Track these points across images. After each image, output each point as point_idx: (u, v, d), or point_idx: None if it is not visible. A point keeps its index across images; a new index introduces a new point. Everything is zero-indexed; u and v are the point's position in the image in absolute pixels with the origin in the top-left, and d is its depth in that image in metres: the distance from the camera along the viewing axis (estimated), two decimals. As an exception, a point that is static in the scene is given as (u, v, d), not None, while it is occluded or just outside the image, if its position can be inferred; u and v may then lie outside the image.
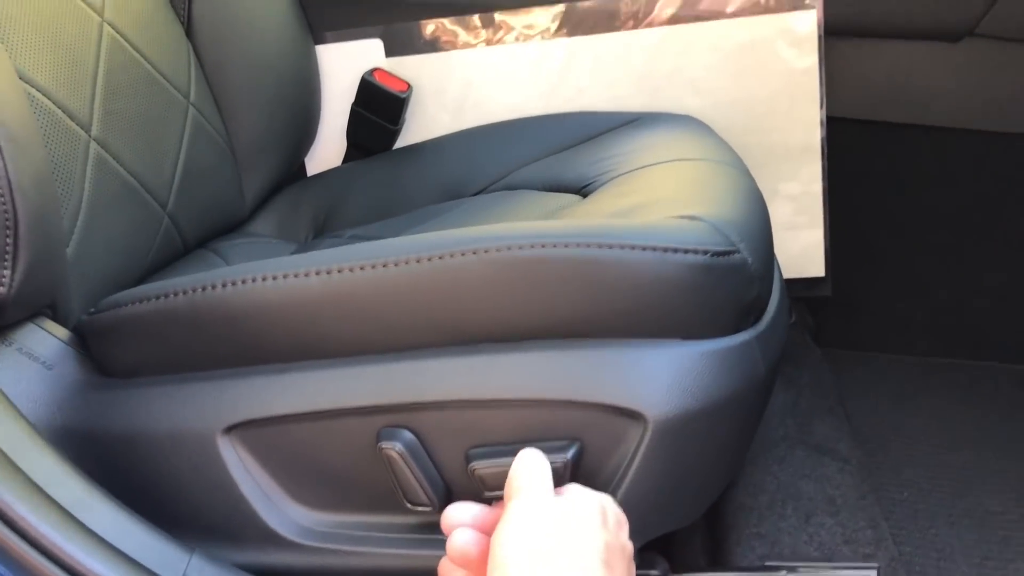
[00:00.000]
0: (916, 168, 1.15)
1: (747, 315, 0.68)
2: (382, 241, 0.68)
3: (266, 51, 1.03)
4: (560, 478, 0.61)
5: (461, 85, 1.11)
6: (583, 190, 0.90)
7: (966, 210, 1.15)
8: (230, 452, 0.68)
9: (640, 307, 0.63)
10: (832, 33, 1.04)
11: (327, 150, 1.16)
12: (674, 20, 1.05)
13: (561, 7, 1.06)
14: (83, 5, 0.84)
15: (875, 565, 0.78)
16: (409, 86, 1.10)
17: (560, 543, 0.52)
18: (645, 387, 0.62)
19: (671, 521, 0.69)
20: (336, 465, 0.68)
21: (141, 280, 0.88)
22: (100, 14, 0.86)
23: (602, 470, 0.64)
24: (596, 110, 1.07)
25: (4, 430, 0.63)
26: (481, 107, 1.10)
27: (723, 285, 0.65)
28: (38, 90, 0.76)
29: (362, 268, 0.64)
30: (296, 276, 0.65)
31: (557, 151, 1.00)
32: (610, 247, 0.62)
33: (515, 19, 1.07)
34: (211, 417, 0.67)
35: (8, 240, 0.64)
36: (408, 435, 0.65)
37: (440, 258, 0.63)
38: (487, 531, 0.56)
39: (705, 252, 0.63)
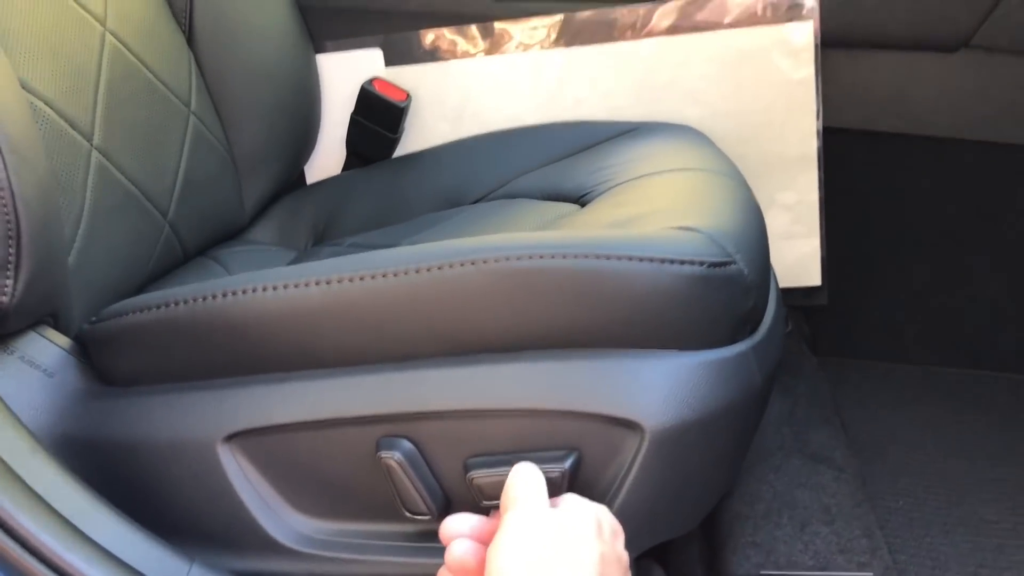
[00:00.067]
0: (912, 178, 1.15)
1: (743, 325, 0.69)
2: (381, 251, 0.68)
3: (267, 60, 1.03)
4: (557, 488, 0.62)
5: (460, 94, 1.11)
6: (581, 199, 0.90)
7: (962, 220, 1.16)
8: (230, 460, 0.68)
9: (637, 318, 0.64)
10: (828, 44, 1.05)
11: (327, 158, 1.16)
12: (672, 31, 1.05)
13: (559, 17, 1.07)
14: (85, 15, 0.85)
15: (870, 574, 0.79)
16: (408, 95, 1.11)
17: (556, 554, 0.52)
18: (642, 398, 0.62)
19: (668, 530, 0.70)
20: (335, 474, 0.68)
21: (142, 288, 0.88)
22: (102, 23, 0.86)
23: (599, 479, 0.65)
24: (594, 119, 1.08)
25: (5, 440, 0.63)
26: (480, 116, 1.11)
27: (719, 296, 0.65)
28: (40, 100, 0.77)
29: (361, 278, 0.65)
30: (296, 286, 0.66)
31: (555, 160, 1.00)
32: (608, 258, 0.63)
33: (514, 29, 1.08)
34: (211, 426, 0.68)
35: (11, 250, 0.65)
36: (407, 444, 0.65)
37: (439, 268, 0.63)
38: (485, 541, 0.57)
39: (701, 263, 0.64)
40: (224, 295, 0.67)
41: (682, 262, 0.63)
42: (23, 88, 0.73)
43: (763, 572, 0.81)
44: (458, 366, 0.65)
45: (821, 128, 1.07)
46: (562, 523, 0.55)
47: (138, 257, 0.87)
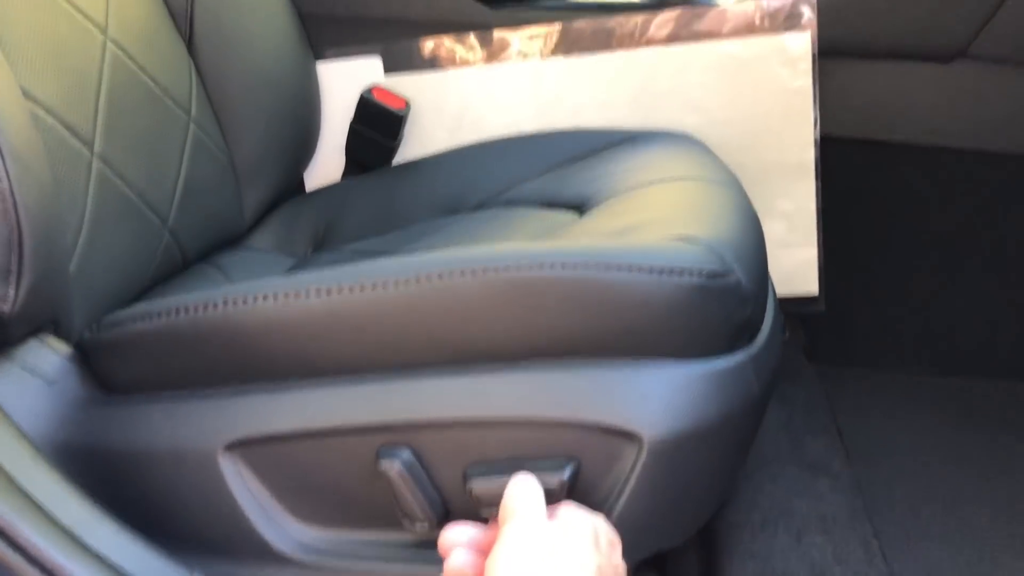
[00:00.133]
0: (908, 187, 1.16)
1: (741, 335, 0.69)
2: (382, 260, 0.69)
3: (267, 68, 1.04)
4: (556, 497, 0.62)
5: (459, 103, 1.11)
6: (580, 207, 0.90)
7: (958, 228, 1.16)
8: (231, 469, 0.68)
9: (636, 328, 0.64)
10: (825, 54, 1.05)
11: (326, 166, 1.16)
12: (670, 40, 1.06)
13: (558, 26, 1.07)
14: (87, 23, 0.85)
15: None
16: (407, 103, 1.11)
17: (554, 566, 0.53)
18: (641, 408, 0.63)
19: (665, 539, 0.70)
20: (336, 482, 0.68)
21: (142, 295, 0.88)
22: (104, 32, 0.87)
23: (598, 489, 0.65)
24: (592, 128, 1.08)
25: (6, 449, 0.63)
26: (478, 124, 1.11)
27: (718, 306, 0.66)
28: (42, 108, 0.77)
29: (362, 288, 0.65)
30: (297, 295, 0.66)
31: (554, 168, 1.00)
32: (607, 268, 0.63)
33: (513, 37, 1.08)
34: (212, 434, 0.68)
35: (13, 258, 0.65)
36: (407, 453, 0.65)
37: (439, 278, 0.64)
38: (484, 552, 0.57)
39: (700, 273, 0.64)
40: (226, 304, 0.67)
41: (681, 272, 0.64)
42: (25, 97, 0.74)
43: (760, 581, 0.81)
44: (458, 375, 0.65)
45: (818, 137, 1.07)
46: (559, 535, 0.55)
47: (139, 264, 0.88)
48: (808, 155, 1.08)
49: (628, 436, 0.63)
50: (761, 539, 0.86)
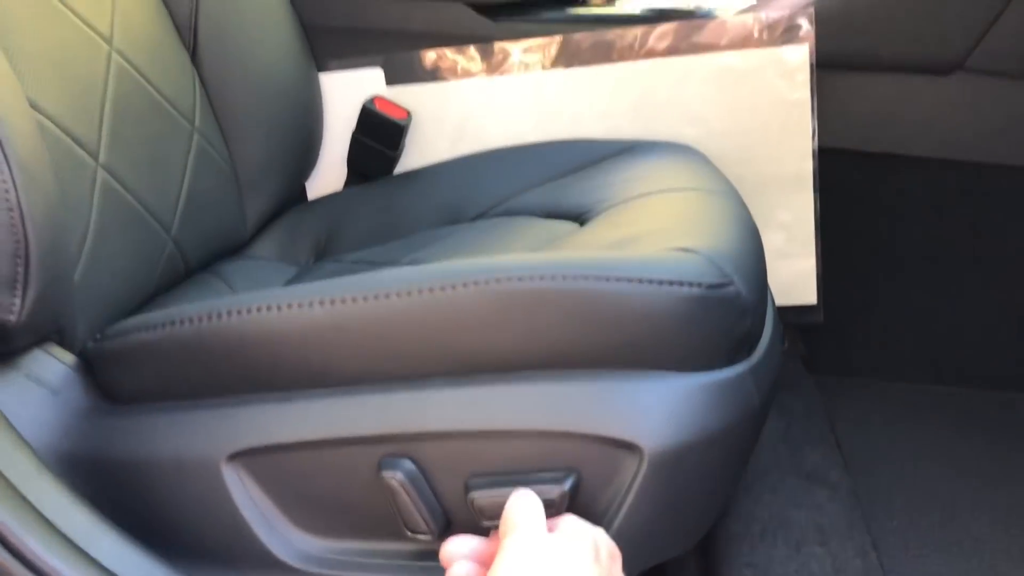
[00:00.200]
0: (906, 198, 1.16)
1: (741, 346, 0.69)
2: (384, 271, 0.69)
3: (270, 78, 1.04)
4: (556, 509, 0.63)
5: (460, 113, 1.12)
6: (580, 217, 0.91)
7: (956, 239, 1.17)
8: (234, 479, 0.68)
9: (636, 339, 0.64)
10: (824, 66, 1.06)
11: (328, 175, 1.17)
12: (669, 52, 1.07)
13: (558, 38, 1.08)
14: (92, 34, 0.86)
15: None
16: (409, 114, 1.12)
17: (556, 578, 0.53)
18: (641, 420, 0.63)
19: (665, 551, 0.70)
20: (338, 493, 0.69)
21: (145, 304, 0.89)
22: (109, 43, 0.87)
23: (598, 500, 0.65)
24: (592, 138, 1.09)
25: (10, 460, 0.63)
26: (479, 135, 1.12)
27: (717, 317, 0.66)
28: (48, 119, 0.77)
29: (364, 299, 0.65)
30: (300, 306, 0.66)
31: (555, 178, 1.01)
32: (607, 280, 0.63)
33: (514, 49, 1.09)
34: (215, 444, 0.68)
35: (19, 268, 0.65)
36: (409, 464, 0.66)
37: (441, 289, 0.64)
38: (485, 564, 0.58)
39: (700, 285, 0.65)
40: (229, 314, 0.67)
41: (681, 284, 0.64)
42: (31, 107, 0.74)
43: (759, 591, 0.82)
44: (459, 387, 0.65)
45: (817, 148, 1.08)
46: (560, 548, 0.55)
47: (142, 273, 0.88)
48: (806, 166, 1.09)
49: (628, 447, 0.63)
50: (760, 549, 0.87)
